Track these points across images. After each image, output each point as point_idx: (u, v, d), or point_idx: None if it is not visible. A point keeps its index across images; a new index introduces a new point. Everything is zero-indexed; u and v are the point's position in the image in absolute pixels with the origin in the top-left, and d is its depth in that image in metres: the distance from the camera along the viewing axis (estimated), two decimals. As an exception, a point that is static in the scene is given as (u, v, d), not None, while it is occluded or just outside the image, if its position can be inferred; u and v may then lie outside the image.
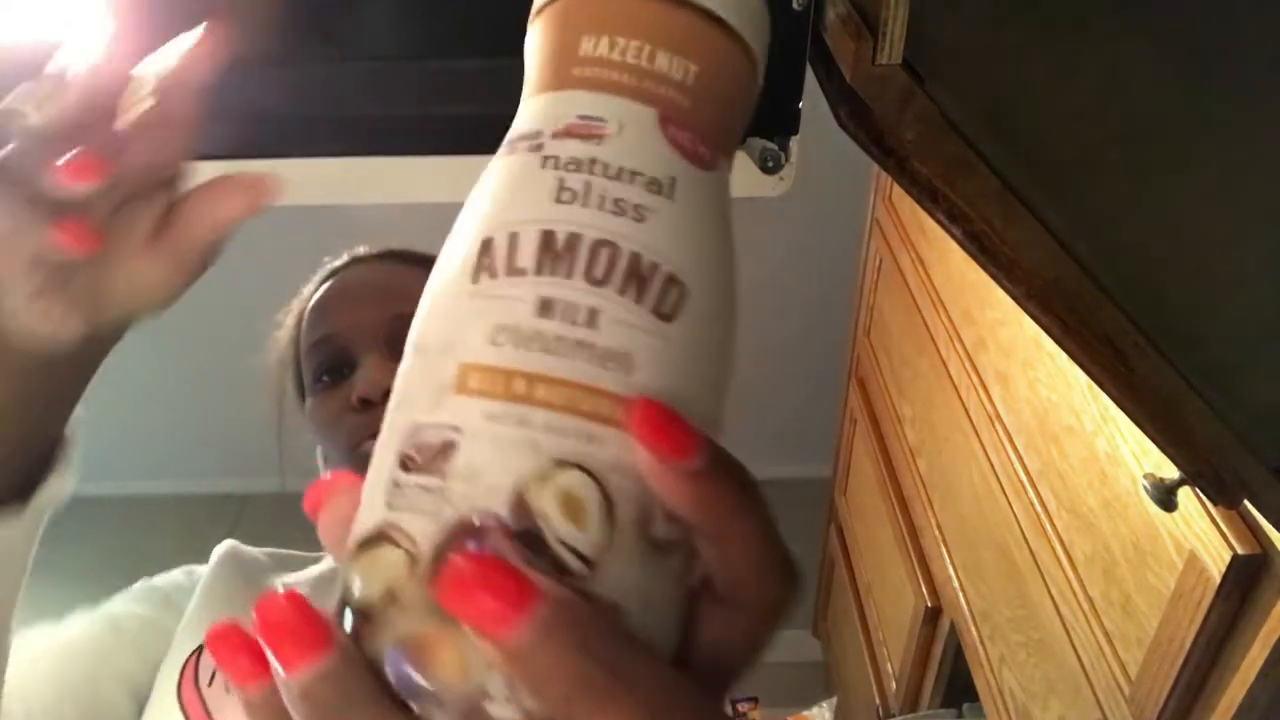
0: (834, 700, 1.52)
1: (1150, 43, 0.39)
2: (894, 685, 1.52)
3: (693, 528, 0.22)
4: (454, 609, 0.19)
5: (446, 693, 0.20)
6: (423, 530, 0.21)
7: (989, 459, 1.10)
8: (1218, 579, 0.68)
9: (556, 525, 0.20)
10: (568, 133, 0.24)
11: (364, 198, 0.52)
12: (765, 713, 1.64)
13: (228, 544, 0.73)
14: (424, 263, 0.71)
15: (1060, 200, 0.42)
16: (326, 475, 0.25)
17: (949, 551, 1.28)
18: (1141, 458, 0.77)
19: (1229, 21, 0.39)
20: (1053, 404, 0.94)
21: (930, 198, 0.43)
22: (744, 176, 0.49)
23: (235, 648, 0.21)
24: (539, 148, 0.24)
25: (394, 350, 0.66)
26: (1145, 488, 0.72)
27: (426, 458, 0.21)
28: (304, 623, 0.20)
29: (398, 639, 0.20)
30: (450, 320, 0.23)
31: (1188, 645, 0.73)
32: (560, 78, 0.25)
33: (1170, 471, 0.70)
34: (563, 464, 0.21)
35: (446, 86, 0.48)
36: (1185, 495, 0.71)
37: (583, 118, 0.24)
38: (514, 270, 0.22)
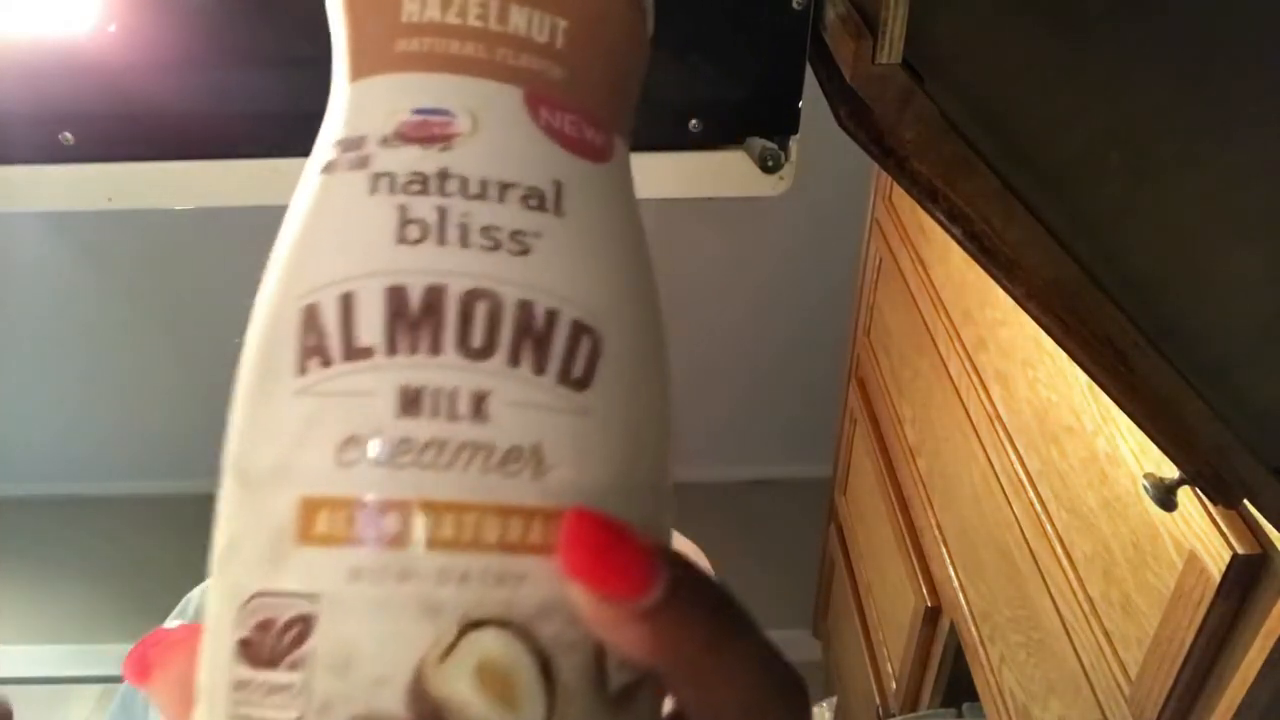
0: (834, 700, 1.52)
1: (1150, 43, 0.39)
2: (894, 685, 1.52)
3: (658, 674, 0.17)
4: None
5: None
6: None
7: (989, 459, 1.10)
8: (1218, 579, 0.68)
9: (477, 713, 0.15)
10: (401, 136, 0.17)
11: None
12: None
13: (201, 598, 0.72)
14: None
15: (1060, 200, 0.42)
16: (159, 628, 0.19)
17: (949, 551, 1.28)
18: (1141, 458, 0.77)
19: (1229, 22, 0.39)
20: (1053, 404, 0.94)
21: (930, 197, 0.43)
22: (744, 176, 0.49)
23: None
24: (364, 162, 0.17)
25: None
26: (1145, 488, 0.72)
27: (274, 643, 0.15)
28: None
29: None
30: (276, 431, 0.16)
31: (1188, 645, 0.73)
32: (379, 56, 0.18)
33: (1170, 471, 0.70)
34: (473, 624, 0.15)
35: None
36: (1185, 495, 0.71)
37: (420, 112, 0.17)
38: (354, 352, 0.16)
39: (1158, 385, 0.45)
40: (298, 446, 0.16)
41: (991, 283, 0.45)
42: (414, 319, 0.16)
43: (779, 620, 2.14)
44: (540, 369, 0.16)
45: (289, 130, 0.48)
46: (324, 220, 0.17)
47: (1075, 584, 0.91)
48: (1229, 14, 0.38)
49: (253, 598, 0.16)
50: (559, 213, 0.17)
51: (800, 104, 0.47)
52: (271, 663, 0.15)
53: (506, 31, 0.17)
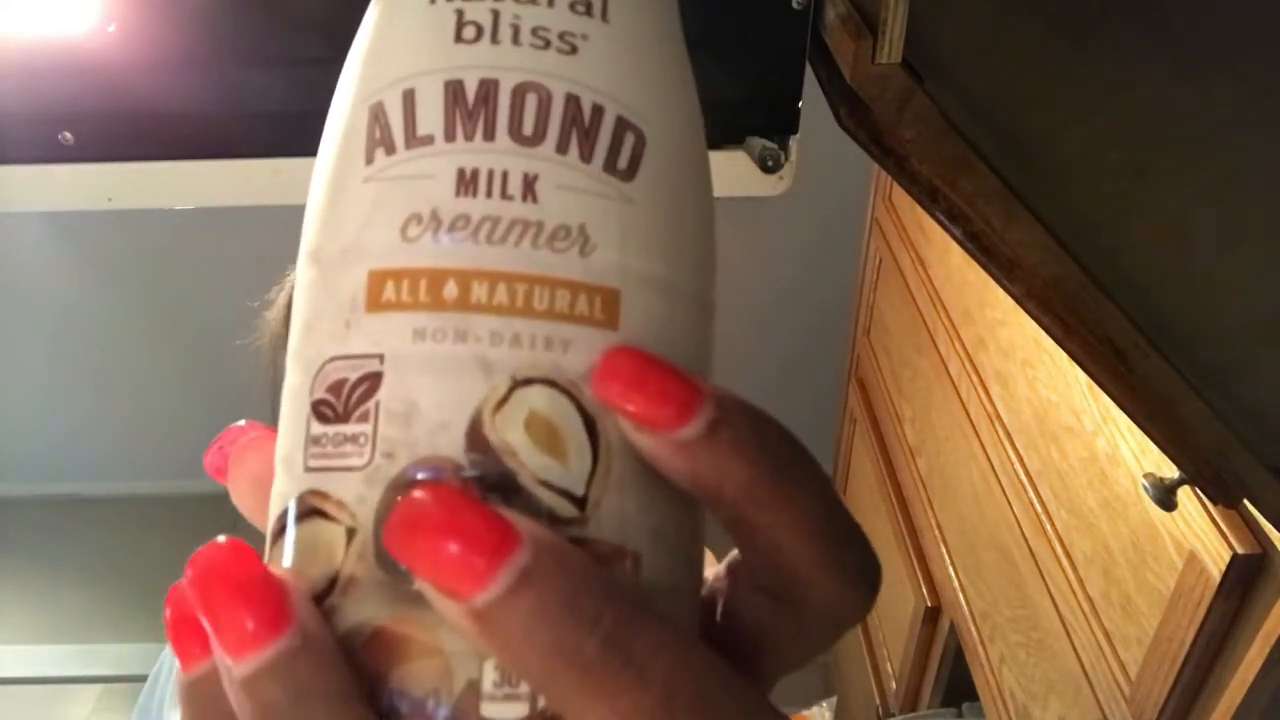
0: (834, 700, 1.52)
1: (1150, 42, 0.39)
2: (894, 685, 1.52)
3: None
4: (410, 563, 0.14)
5: (429, 697, 0.15)
6: (358, 494, 0.16)
7: (989, 459, 1.10)
8: (1217, 579, 0.68)
9: (529, 460, 0.16)
10: None
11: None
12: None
13: None
14: None
15: (1060, 200, 0.42)
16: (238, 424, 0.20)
17: (949, 551, 1.28)
18: (1141, 458, 0.77)
19: (1229, 21, 0.39)
20: (1053, 404, 0.94)
21: (930, 197, 0.43)
22: (744, 176, 0.49)
23: (176, 619, 0.17)
24: None
25: None
26: (1145, 487, 0.72)
27: (346, 400, 0.17)
28: (253, 589, 0.15)
29: (354, 638, 0.16)
30: (346, 216, 0.17)
31: (1187, 645, 0.73)
32: None
33: (1170, 471, 0.70)
34: (523, 381, 0.16)
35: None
36: (1185, 495, 0.71)
37: None
38: (417, 140, 0.17)
39: (1157, 385, 0.45)
40: (366, 227, 0.17)
41: (991, 283, 0.45)
42: (470, 108, 0.17)
43: (779, 620, 2.14)
44: (587, 157, 0.17)
45: (289, 130, 0.48)
46: (389, 29, 0.18)
47: (1075, 584, 0.91)
48: (1229, 14, 0.38)
49: (326, 363, 0.17)
50: (605, 18, 0.18)
51: (800, 104, 0.47)
52: (344, 417, 0.17)
53: None
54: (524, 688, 0.16)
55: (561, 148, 0.17)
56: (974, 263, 0.45)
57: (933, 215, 0.43)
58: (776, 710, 0.15)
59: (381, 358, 0.17)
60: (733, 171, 0.49)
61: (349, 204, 0.17)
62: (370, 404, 0.16)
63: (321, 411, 0.17)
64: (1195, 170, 0.42)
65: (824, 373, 1.98)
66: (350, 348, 0.17)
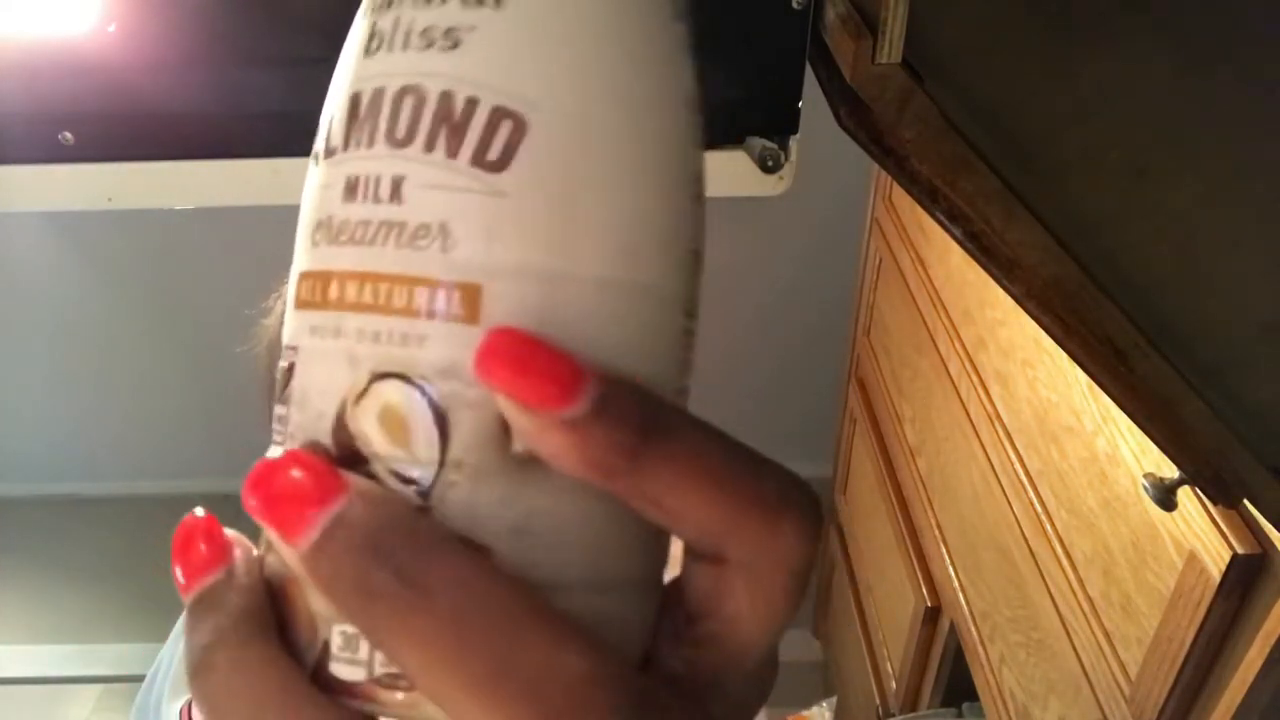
0: (834, 700, 1.52)
1: (1150, 42, 0.39)
2: (894, 685, 1.52)
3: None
4: (255, 516, 0.16)
5: (304, 652, 0.17)
6: None
7: (989, 459, 1.10)
8: (1217, 579, 0.68)
9: (381, 449, 0.17)
10: None
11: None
12: (765, 713, 1.64)
13: None
14: None
15: (1060, 200, 0.42)
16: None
17: (949, 551, 1.28)
18: (1141, 458, 0.77)
19: (1229, 21, 0.39)
20: (1053, 404, 0.94)
21: (930, 197, 0.43)
22: (744, 176, 0.49)
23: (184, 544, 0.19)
24: None
25: None
26: (1145, 487, 0.72)
27: (282, 385, 0.19)
28: (208, 534, 0.19)
29: (271, 591, 0.18)
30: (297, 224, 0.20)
31: (1187, 645, 0.73)
32: None
33: (1170, 471, 0.70)
34: (380, 375, 0.17)
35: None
36: (1185, 495, 0.70)
37: None
38: (328, 153, 0.19)
39: (1157, 385, 0.45)
40: (298, 231, 0.19)
41: (991, 283, 0.45)
42: (361, 119, 0.18)
43: (779, 620, 2.14)
44: (454, 153, 0.17)
45: (289, 130, 0.48)
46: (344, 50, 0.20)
47: (1075, 584, 0.91)
48: (1229, 14, 0.38)
49: (285, 350, 0.19)
50: (499, 5, 0.18)
51: (800, 104, 0.47)
52: (281, 400, 0.19)
53: None
54: (363, 653, 0.17)
55: (429, 146, 0.17)
56: (974, 263, 0.45)
57: (933, 215, 0.43)
58: (586, 644, 0.16)
59: (296, 349, 0.19)
60: (733, 171, 0.49)
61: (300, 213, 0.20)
62: (289, 389, 0.19)
63: (276, 392, 0.19)
64: (1195, 170, 0.42)
65: (824, 373, 1.98)
66: (286, 339, 0.19)
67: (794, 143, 0.48)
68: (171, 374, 2.34)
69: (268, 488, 0.16)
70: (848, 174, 1.38)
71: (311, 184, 0.19)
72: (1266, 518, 0.53)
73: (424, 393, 0.17)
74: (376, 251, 0.17)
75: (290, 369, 0.19)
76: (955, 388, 1.19)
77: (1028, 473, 1.01)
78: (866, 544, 1.69)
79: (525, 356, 0.16)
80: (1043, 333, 0.45)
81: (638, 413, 0.16)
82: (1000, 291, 0.45)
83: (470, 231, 0.17)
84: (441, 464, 0.17)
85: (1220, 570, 0.68)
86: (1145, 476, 0.72)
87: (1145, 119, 0.41)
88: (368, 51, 0.18)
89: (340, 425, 0.17)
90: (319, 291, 0.18)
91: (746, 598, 0.17)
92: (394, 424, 0.17)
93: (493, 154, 0.17)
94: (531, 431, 0.16)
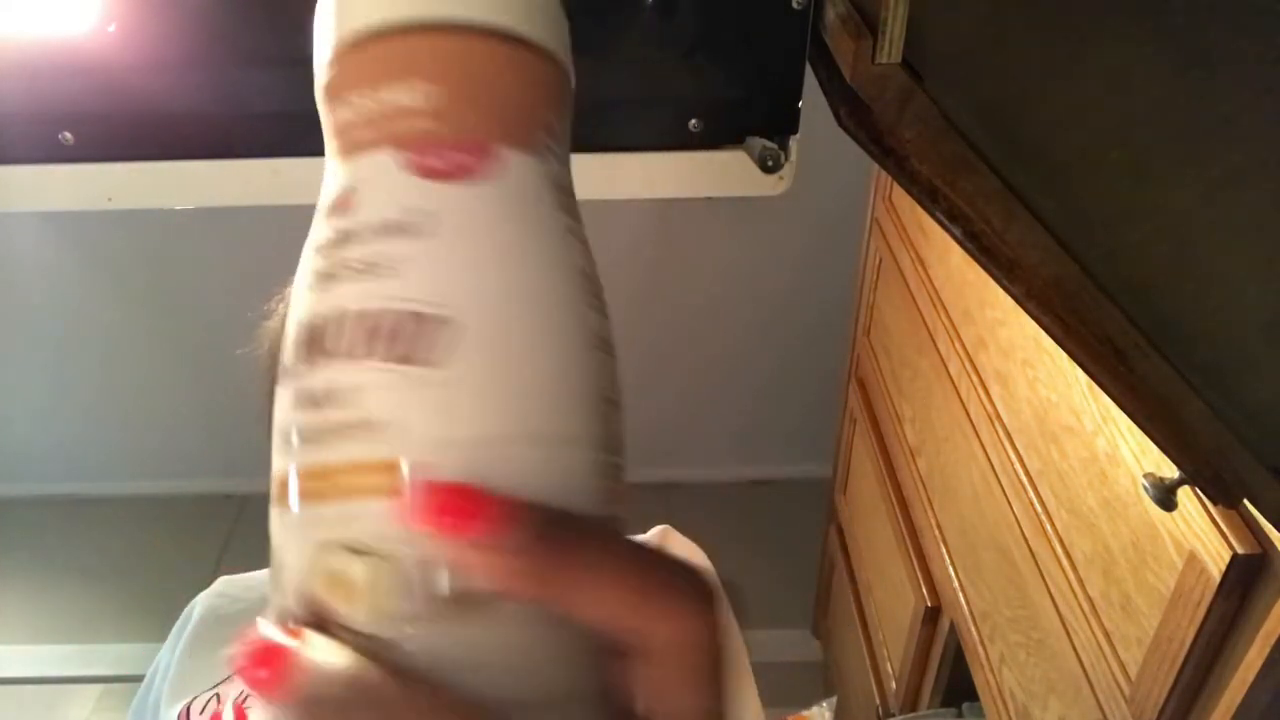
0: (834, 700, 1.52)
1: (1150, 42, 0.39)
2: (894, 685, 1.52)
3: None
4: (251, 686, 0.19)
5: None
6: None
7: (989, 459, 1.10)
8: (1217, 579, 0.68)
9: (331, 608, 0.20)
10: (330, 211, 0.22)
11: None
12: (765, 712, 1.64)
13: (205, 602, 0.71)
14: None
15: (1060, 200, 0.42)
16: None
17: (949, 551, 1.28)
18: (1141, 458, 0.77)
19: (1229, 21, 0.39)
20: (1053, 404, 0.94)
21: (930, 197, 0.43)
22: (744, 176, 0.49)
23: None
24: (314, 234, 0.23)
25: None
26: (1145, 487, 0.72)
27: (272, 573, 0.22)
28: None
29: None
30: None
31: (1187, 645, 0.73)
32: (333, 153, 0.23)
33: (1170, 471, 0.70)
34: (328, 547, 0.20)
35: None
36: (1185, 495, 0.71)
37: (340, 190, 0.22)
38: (284, 373, 0.22)
39: (1157, 385, 0.45)
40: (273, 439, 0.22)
41: (991, 283, 0.45)
42: (308, 342, 0.21)
43: (779, 620, 2.14)
44: (387, 357, 0.20)
45: (289, 130, 0.48)
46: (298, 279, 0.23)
47: (1075, 584, 0.91)
48: (1229, 13, 0.38)
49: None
50: (434, 234, 0.21)
51: (800, 104, 0.47)
52: (273, 569, 0.22)
53: (383, 109, 0.22)
54: None
55: (367, 354, 0.20)
56: (974, 263, 0.45)
57: (933, 215, 0.43)
58: None
59: (272, 541, 0.22)
60: (733, 171, 0.49)
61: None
62: (275, 576, 0.22)
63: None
64: (1195, 170, 0.42)
65: (824, 373, 1.98)
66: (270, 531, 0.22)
67: (794, 143, 0.48)
68: (171, 374, 2.34)
69: (247, 668, 0.19)
70: (848, 174, 1.38)
71: (277, 398, 0.22)
72: (1266, 518, 0.53)
73: (362, 555, 0.20)
74: (313, 450, 0.21)
75: (273, 549, 0.22)
76: (955, 388, 1.20)
77: (1028, 473, 1.01)
78: (866, 544, 1.69)
79: (457, 504, 0.19)
80: (1043, 333, 0.45)
81: (554, 532, 0.19)
82: (1000, 291, 0.45)
83: (399, 418, 0.20)
84: (398, 616, 0.19)
85: (1220, 570, 0.68)
86: (1145, 476, 0.72)
87: (1145, 119, 0.41)
88: (314, 287, 0.22)
89: (300, 595, 0.20)
90: (278, 490, 0.21)
91: (664, 680, 0.20)
92: (338, 585, 0.20)
93: (421, 354, 0.20)
94: (467, 563, 0.19)
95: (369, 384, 0.20)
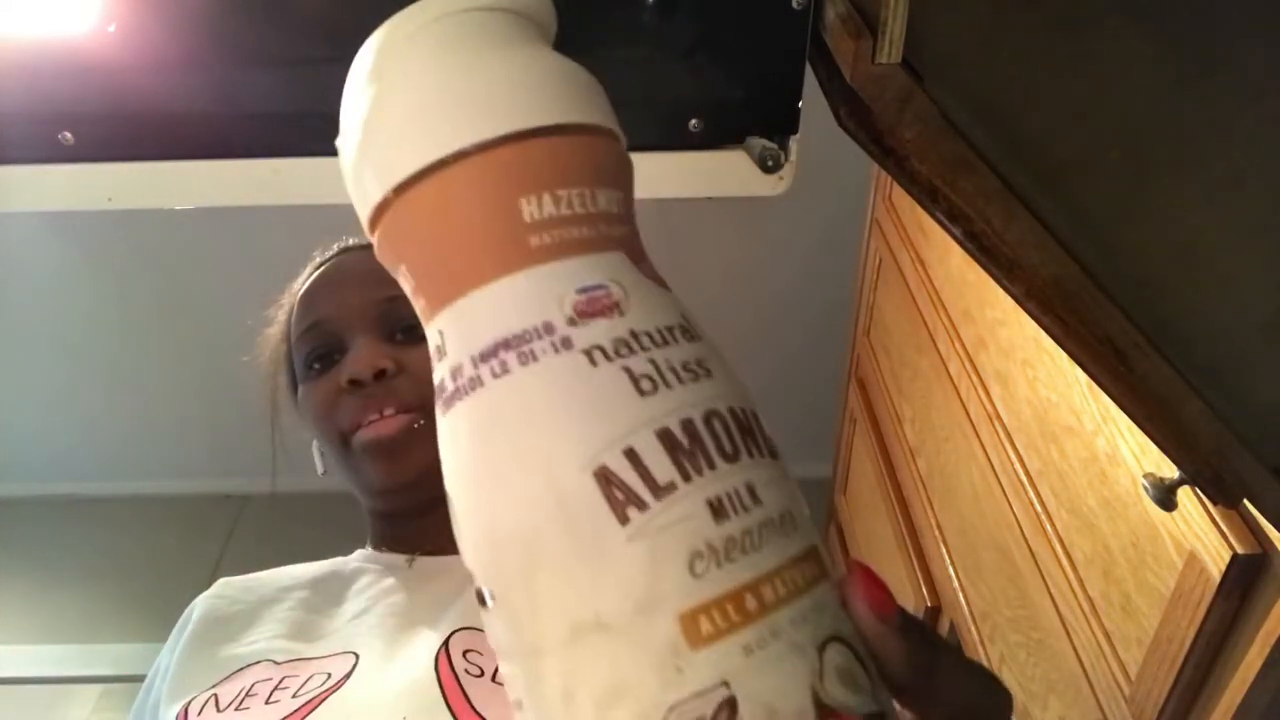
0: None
1: (1150, 42, 0.39)
2: (894, 685, 1.52)
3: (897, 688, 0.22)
4: None
5: None
6: None
7: (989, 459, 1.10)
8: (1218, 579, 0.68)
9: (848, 705, 0.19)
10: (581, 314, 0.21)
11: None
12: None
13: (205, 603, 0.70)
14: None
15: (1060, 200, 0.42)
16: None
17: (949, 551, 1.28)
18: (1141, 458, 0.77)
19: (1229, 21, 0.39)
20: (1052, 404, 0.94)
21: (930, 197, 0.43)
22: (744, 176, 0.49)
23: None
24: (567, 343, 0.20)
25: (385, 331, 0.66)
26: (1145, 487, 0.72)
27: None
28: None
29: None
30: (624, 577, 0.19)
31: (1187, 645, 0.73)
32: (516, 254, 0.21)
33: (1170, 471, 0.70)
34: (821, 646, 0.20)
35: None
36: (1185, 495, 0.70)
37: (583, 290, 0.21)
38: (660, 490, 0.20)
39: (1158, 385, 0.45)
40: (655, 579, 0.19)
41: (991, 283, 0.45)
42: (687, 449, 0.20)
43: (779, 620, 2.14)
44: (762, 452, 0.21)
45: (289, 130, 0.48)
46: (562, 400, 0.20)
47: (1075, 584, 0.91)
48: (1229, 13, 0.38)
49: (669, 712, 0.19)
50: (698, 336, 0.22)
51: (800, 104, 0.47)
52: None
53: (599, 211, 0.22)
54: None
55: (751, 452, 0.21)
56: (974, 263, 0.45)
57: (933, 215, 0.43)
58: None
59: (727, 683, 0.19)
60: (733, 171, 0.49)
61: (621, 565, 0.19)
62: None
63: None
64: (1195, 170, 0.42)
65: (824, 373, 1.98)
66: (691, 687, 0.19)
67: (794, 143, 0.48)
68: (171, 373, 2.34)
69: None
70: (848, 174, 1.38)
71: (644, 527, 0.19)
72: (1266, 518, 0.53)
73: (850, 644, 0.20)
74: (768, 550, 0.20)
75: (729, 703, 0.19)
76: (955, 388, 1.19)
77: (1028, 473, 1.01)
78: (866, 544, 1.69)
79: (873, 579, 0.22)
80: (1043, 333, 0.45)
81: (921, 630, 0.22)
82: (1000, 291, 0.45)
83: (793, 505, 0.22)
84: (874, 684, 0.20)
85: (1220, 570, 0.68)
86: (1145, 476, 0.72)
87: (1145, 119, 0.41)
88: (642, 392, 0.20)
89: (819, 705, 0.19)
90: (735, 612, 0.19)
91: None
92: (849, 679, 0.20)
93: (770, 443, 0.22)
94: (879, 639, 0.22)
95: (756, 479, 0.21)
